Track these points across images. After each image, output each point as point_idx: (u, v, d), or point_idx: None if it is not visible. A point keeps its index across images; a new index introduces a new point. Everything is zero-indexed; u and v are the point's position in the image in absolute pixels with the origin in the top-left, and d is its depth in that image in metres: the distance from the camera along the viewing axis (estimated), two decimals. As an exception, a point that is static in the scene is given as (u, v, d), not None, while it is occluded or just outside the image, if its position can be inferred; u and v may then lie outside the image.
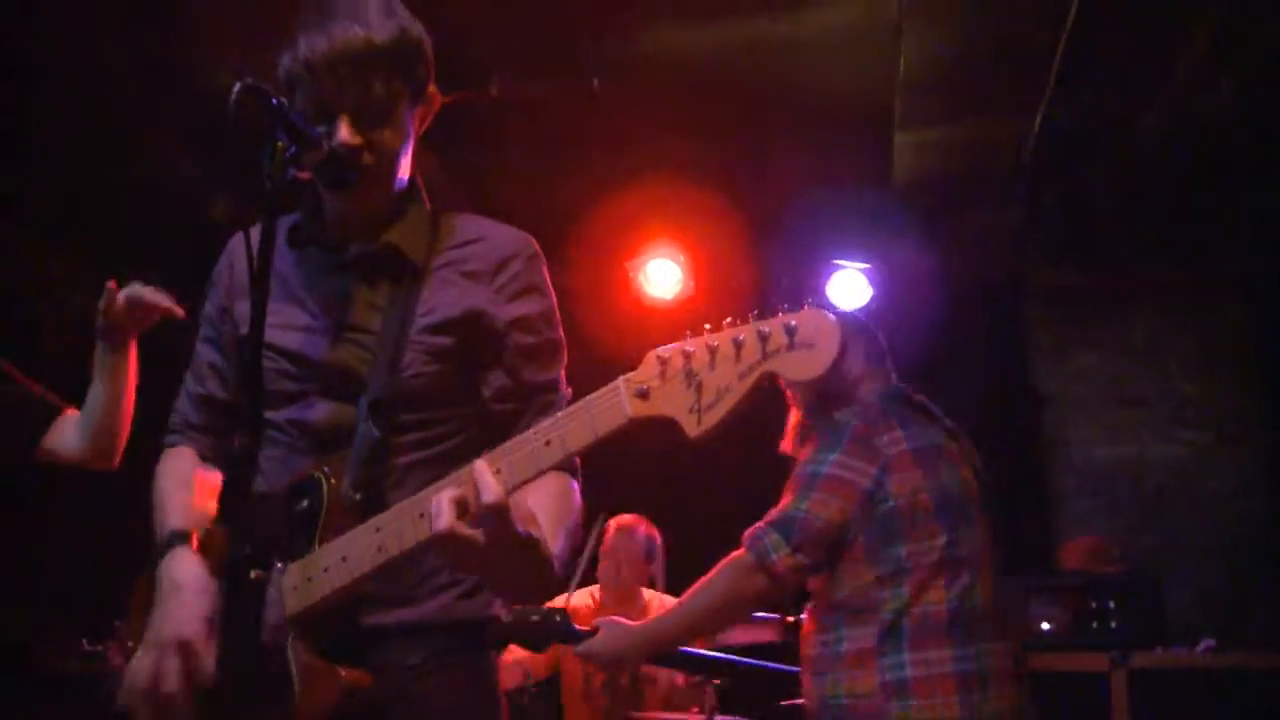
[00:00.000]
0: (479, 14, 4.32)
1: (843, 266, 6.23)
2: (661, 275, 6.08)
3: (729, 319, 1.53)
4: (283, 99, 1.70)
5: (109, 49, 4.72)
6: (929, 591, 2.96)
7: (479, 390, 2.00)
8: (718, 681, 4.08)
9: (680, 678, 4.68)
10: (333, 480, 1.83)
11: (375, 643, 1.88)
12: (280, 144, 1.67)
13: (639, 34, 4.71)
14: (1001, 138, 5.45)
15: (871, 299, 6.18)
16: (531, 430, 1.62)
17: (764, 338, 1.47)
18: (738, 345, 1.48)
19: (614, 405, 1.55)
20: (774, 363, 1.47)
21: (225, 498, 1.61)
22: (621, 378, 1.55)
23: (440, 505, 1.61)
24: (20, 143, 5.19)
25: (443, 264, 2.01)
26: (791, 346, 1.47)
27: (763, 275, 6.20)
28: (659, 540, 4.99)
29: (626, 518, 4.93)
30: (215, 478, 2.02)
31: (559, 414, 1.61)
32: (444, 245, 2.03)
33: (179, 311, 2.71)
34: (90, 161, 5.43)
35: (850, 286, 6.21)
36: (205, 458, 2.09)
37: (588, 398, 1.59)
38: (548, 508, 1.85)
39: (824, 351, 1.46)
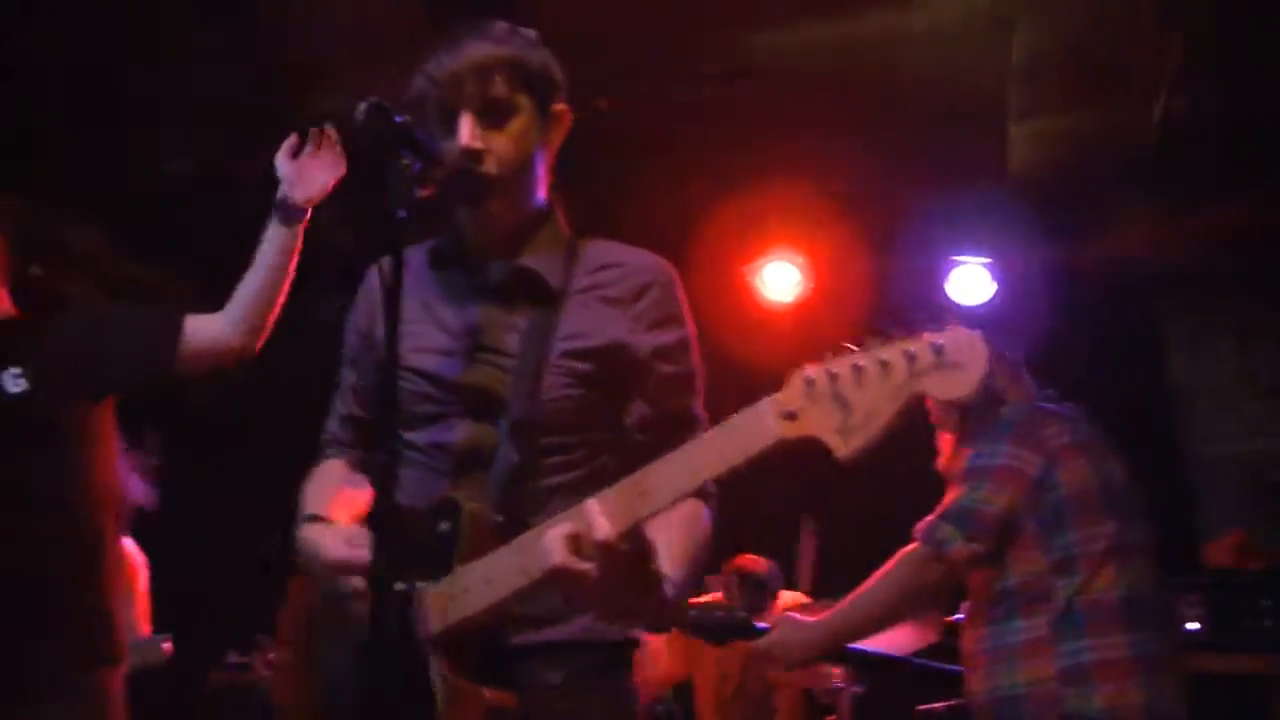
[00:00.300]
0: (587, 25, 4.35)
1: (962, 262, 6.14)
2: (780, 278, 6.06)
3: (871, 333, 1.53)
4: (406, 117, 1.74)
5: (216, 84, 4.89)
6: (1100, 578, 2.98)
7: (619, 417, 2.02)
8: (857, 689, 4.05)
9: (812, 676, 4.64)
10: (473, 502, 1.85)
11: (518, 661, 1.90)
12: (405, 161, 1.70)
13: (749, 37, 4.71)
14: (1122, 125, 5.31)
15: (994, 294, 6.08)
16: (675, 453, 1.64)
17: (911, 358, 1.47)
18: (884, 365, 1.48)
19: (761, 427, 1.55)
20: (923, 383, 1.47)
21: (369, 511, 1.64)
22: (766, 399, 1.55)
23: (552, 542, 1.66)
24: (146, 185, 5.41)
25: (581, 289, 2.03)
26: (939, 366, 1.46)
27: (881, 274, 6.12)
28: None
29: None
30: (365, 486, 2.05)
31: (703, 435, 1.62)
32: (581, 270, 2.05)
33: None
34: (209, 195, 5.61)
35: (970, 282, 6.10)
36: (352, 472, 2.14)
37: (732, 420, 1.59)
38: (671, 534, 1.86)
39: (973, 370, 1.45)
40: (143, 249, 6.41)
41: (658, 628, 1.97)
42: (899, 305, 5.96)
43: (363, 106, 1.67)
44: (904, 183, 5.68)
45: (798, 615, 3.31)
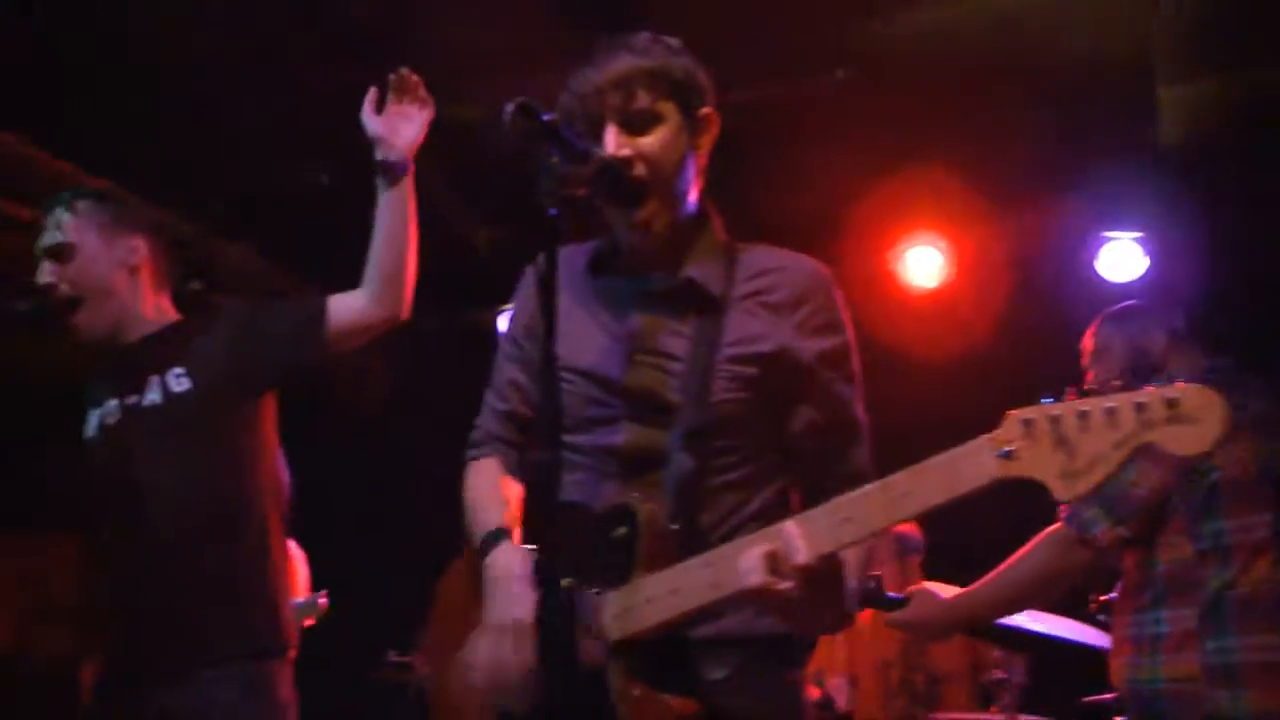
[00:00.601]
0: (714, 21, 4.34)
1: (1113, 238, 5.94)
2: (923, 263, 5.96)
3: (1094, 385, 1.52)
4: (553, 115, 1.75)
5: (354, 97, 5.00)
6: (1254, 570, 2.83)
7: (784, 422, 2.03)
8: (1020, 680, 3.95)
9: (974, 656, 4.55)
10: (649, 507, 1.87)
11: (681, 656, 1.89)
12: (554, 160, 1.72)
13: (880, 19, 4.63)
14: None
15: (1146, 270, 5.87)
16: (878, 485, 1.65)
17: (1140, 408, 1.47)
18: (1110, 414, 1.48)
19: (978, 464, 1.56)
20: (1152, 434, 1.47)
21: (529, 508, 1.66)
22: (984, 438, 1.57)
23: (751, 561, 1.69)
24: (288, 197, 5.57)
25: (743, 295, 2.04)
26: (1172, 420, 1.46)
27: (1027, 255, 5.97)
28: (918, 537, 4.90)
29: None
30: (517, 489, 2.11)
31: (915, 468, 1.63)
32: (741, 276, 2.07)
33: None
34: (355, 203, 5.74)
35: (1122, 258, 5.90)
36: (509, 470, 2.17)
37: (945, 456, 1.61)
38: (853, 557, 1.88)
39: (1209, 427, 1.45)
40: (289, 259, 6.63)
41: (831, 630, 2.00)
42: (1047, 286, 5.80)
43: (509, 107, 1.69)
44: (1048, 158, 5.52)
45: (935, 589, 3.23)
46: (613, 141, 1.97)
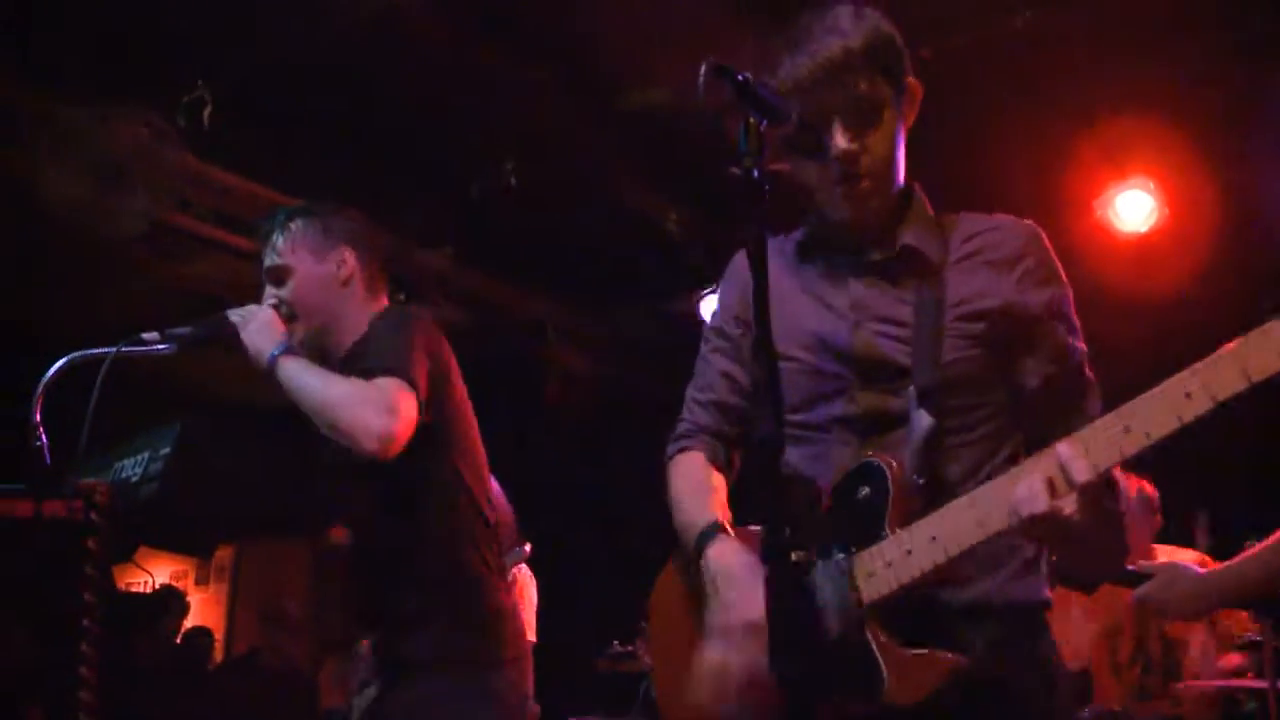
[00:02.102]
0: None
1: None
2: (1133, 208, 5.71)
3: None
4: (747, 74, 1.69)
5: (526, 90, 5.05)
6: None
7: (1016, 378, 1.98)
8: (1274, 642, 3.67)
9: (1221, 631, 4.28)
10: (894, 465, 1.83)
11: (937, 623, 1.82)
12: (753, 120, 1.65)
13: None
14: None
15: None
16: (1157, 389, 1.54)
17: None
18: None
19: (1274, 346, 1.42)
20: None
21: (758, 485, 1.60)
22: (1274, 319, 1.42)
23: (1034, 488, 1.63)
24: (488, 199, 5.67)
25: (960, 257, 2.00)
26: None
27: (1239, 197, 5.61)
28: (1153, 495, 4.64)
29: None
30: (722, 479, 2.09)
31: (1197, 365, 1.50)
32: (956, 241, 2.02)
33: None
34: (546, 201, 5.82)
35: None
36: (714, 461, 2.13)
37: (1237, 343, 1.46)
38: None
39: None
40: (485, 262, 6.77)
41: (1107, 577, 1.88)
42: (1261, 228, 5.46)
43: (704, 68, 1.63)
44: (1261, 97, 5.16)
45: (1188, 562, 3.00)
46: (842, 139, 1.91)
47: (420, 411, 2.66)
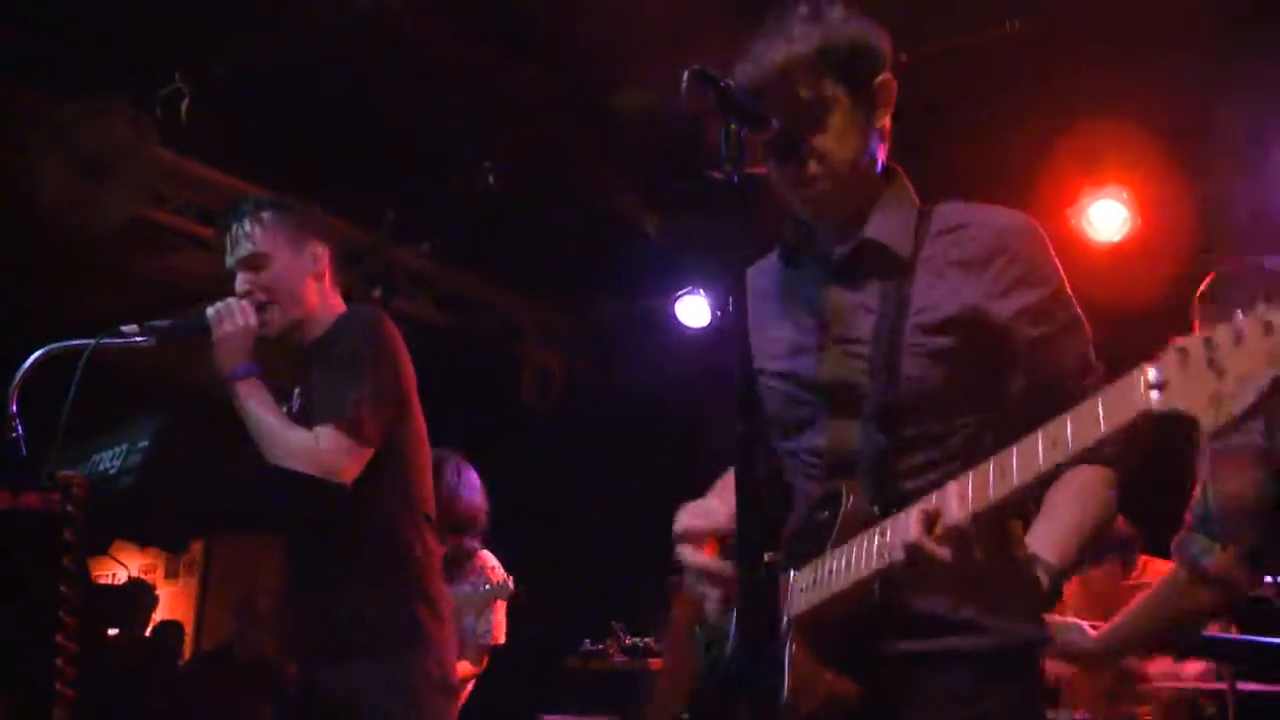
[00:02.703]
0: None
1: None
2: (1106, 217, 5.74)
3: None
4: (729, 81, 1.71)
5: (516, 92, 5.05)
6: None
7: (997, 392, 1.89)
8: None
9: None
10: (852, 494, 1.80)
11: (912, 667, 1.82)
12: (733, 126, 1.67)
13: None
14: None
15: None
16: (1038, 430, 1.49)
17: None
18: (1268, 326, 1.27)
19: (1126, 398, 1.38)
20: None
21: (735, 483, 1.62)
22: (1135, 369, 1.39)
23: (906, 523, 1.58)
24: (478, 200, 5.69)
25: (930, 254, 1.92)
26: None
27: (1213, 205, 5.67)
28: None
29: None
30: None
31: (1072, 410, 1.46)
32: (930, 234, 1.94)
33: None
34: (525, 200, 5.83)
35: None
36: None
37: (1101, 392, 1.43)
38: (1056, 511, 1.77)
39: None
40: (462, 260, 6.78)
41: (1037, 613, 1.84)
42: (1234, 237, 5.50)
43: (687, 74, 1.65)
44: (1236, 104, 5.22)
45: (1085, 624, 3.04)
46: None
47: (366, 452, 2.75)
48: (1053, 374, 1.86)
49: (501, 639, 4.60)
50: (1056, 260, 1.92)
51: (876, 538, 1.67)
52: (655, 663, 5.25)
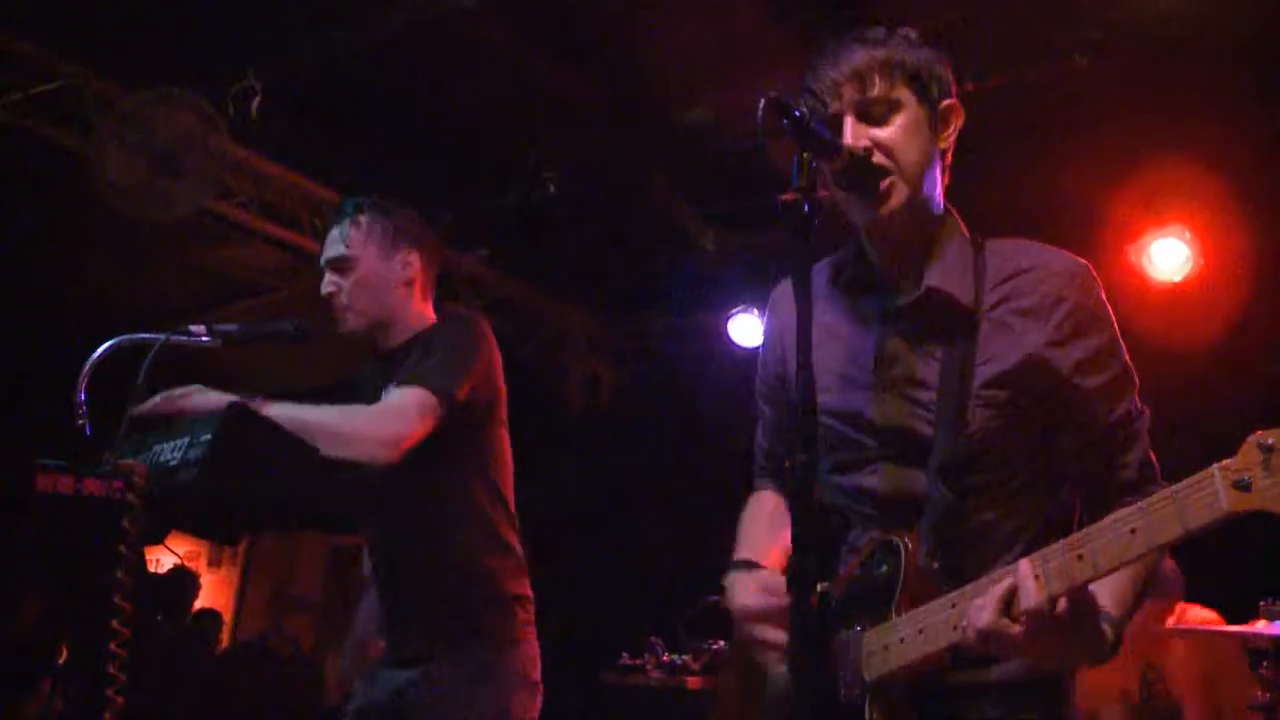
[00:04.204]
0: (943, 10, 4.23)
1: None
2: (1167, 256, 5.68)
3: None
4: (803, 110, 1.72)
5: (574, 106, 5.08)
6: None
7: (1049, 442, 1.89)
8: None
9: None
10: (910, 547, 1.80)
11: (952, 699, 1.82)
12: (805, 155, 1.68)
13: (1118, 4, 4.42)
14: None
15: None
16: (1110, 519, 1.52)
17: None
18: None
19: (1209, 498, 1.40)
20: None
21: (793, 515, 1.62)
22: (1216, 466, 1.40)
23: (984, 605, 1.62)
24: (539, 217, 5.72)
25: (995, 302, 1.92)
26: None
27: (1276, 246, 5.60)
28: None
29: None
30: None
31: (1150, 500, 1.49)
32: (992, 281, 1.93)
33: None
34: (584, 212, 5.86)
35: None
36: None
37: (1179, 487, 1.46)
38: (1116, 582, 1.74)
39: None
40: (518, 267, 6.82)
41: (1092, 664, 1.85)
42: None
43: (764, 100, 1.65)
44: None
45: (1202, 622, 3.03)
46: (850, 132, 1.89)
47: (443, 418, 2.73)
48: (1109, 422, 1.87)
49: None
50: (1109, 306, 1.93)
51: (949, 611, 1.69)
52: (692, 681, 5.24)
